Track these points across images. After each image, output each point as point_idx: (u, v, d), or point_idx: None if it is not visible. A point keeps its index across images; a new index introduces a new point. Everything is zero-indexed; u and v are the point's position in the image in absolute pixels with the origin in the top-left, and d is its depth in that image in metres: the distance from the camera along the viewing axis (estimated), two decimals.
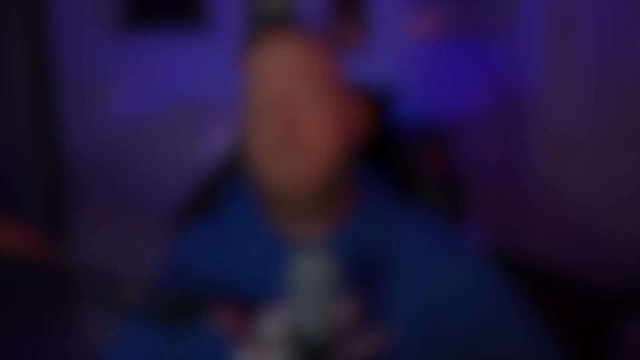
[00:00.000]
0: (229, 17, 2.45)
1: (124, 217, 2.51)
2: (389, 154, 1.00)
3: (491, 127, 2.59)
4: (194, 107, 2.51)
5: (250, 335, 0.76)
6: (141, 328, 0.86)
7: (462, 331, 0.85)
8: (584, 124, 2.43)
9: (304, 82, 0.81)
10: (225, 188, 0.97)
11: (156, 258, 0.97)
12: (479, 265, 0.88)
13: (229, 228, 0.90)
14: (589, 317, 2.02)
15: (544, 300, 2.06)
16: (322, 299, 0.67)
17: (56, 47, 2.46)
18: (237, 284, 0.85)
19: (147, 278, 0.82)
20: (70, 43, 2.45)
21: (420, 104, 2.36)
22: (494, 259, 0.90)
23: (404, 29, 2.51)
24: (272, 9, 2.39)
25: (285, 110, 0.80)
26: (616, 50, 2.33)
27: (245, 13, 2.43)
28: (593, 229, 2.40)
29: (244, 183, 0.93)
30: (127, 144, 2.52)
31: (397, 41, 2.46)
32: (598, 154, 2.40)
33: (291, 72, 0.81)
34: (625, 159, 2.35)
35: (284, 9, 2.39)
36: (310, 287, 0.67)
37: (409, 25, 2.51)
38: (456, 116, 2.47)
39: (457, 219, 1.03)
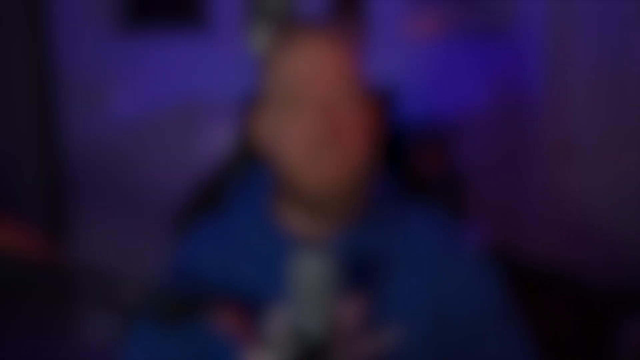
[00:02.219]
0: (229, 17, 2.45)
1: (124, 217, 2.50)
2: (392, 154, 1.00)
3: (491, 127, 2.59)
4: (194, 107, 2.51)
5: (253, 335, 0.76)
6: (147, 330, 0.85)
7: (463, 330, 0.85)
8: (584, 124, 2.43)
9: (343, 81, 0.81)
10: (230, 186, 0.97)
11: (156, 258, 0.97)
12: (480, 264, 0.89)
13: (235, 227, 0.89)
14: (589, 317, 2.01)
15: (543, 300, 2.06)
16: (324, 299, 0.67)
17: (56, 47, 2.46)
18: (242, 283, 0.85)
19: (147, 278, 0.82)
20: (70, 43, 2.45)
21: (421, 104, 2.36)
22: (494, 258, 0.90)
23: (404, 29, 2.50)
24: (272, 9, 2.39)
25: (326, 109, 0.79)
26: (616, 50, 2.33)
27: (245, 13, 2.43)
28: (593, 229, 2.40)
29: (249, 181, 0.93)
30: (127, 144, 2.52)
31: (397, 41, 2.46)
32: (598, 154, 2.40)
33: (331, 70, 0.80)
34: (625, 159, 2.35)
35: (284, 8, 2.39)
36: (312, 287, 0.67)
37: (409, 25, 2.51)
38: (456, 116, 2.47)
39: (457, 219, 1.03)
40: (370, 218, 0.87)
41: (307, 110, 0.80)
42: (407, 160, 1.03)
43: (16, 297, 2.30)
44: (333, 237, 0.84)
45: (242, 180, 0.95)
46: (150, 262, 1.00)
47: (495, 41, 2.54)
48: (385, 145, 0.93)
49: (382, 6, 2.45)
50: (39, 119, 2.76)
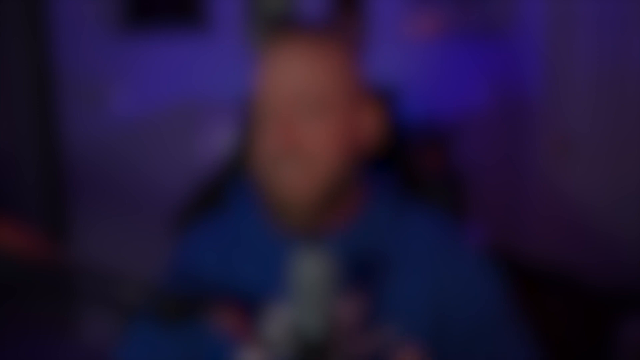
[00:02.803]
0: (229, 17, 2.45)
1: (124, 217, 2.51)
2: (392, 154, 1.00)
3: (491, 127, 2.59)
4: (194, 107, 2.51)
5: (252, 335, 0.76)
6: (147, 330, 0.85)
7: (463, 330, 0.85)
8: (584, 123, 2.43)
9: (307, 92, 0.79)
10: (230, 186, 0.97)
11: (156, 258, 0.97)
12: (480, 264, 0.89)
13: (234, 226, 0.90)
14: (589, 317, 2.01)
15: (543, 300, 2.06)
16: (323, 299, 0.67)
17: (56, 47, 2.46)
18: (242, 282, 0.85)
19: (147, 278, 0.82)
20: (70, 43, 2.45)
21: (421, 103, 2.36)
22: (494, 258, 0.90)
23: (404, 29, 2.51)
24: (272, 9, 2.39)
25: (286, 119, 0.79)
26: (616, 50, 2.33)
27: (245, 13, 2.43)
28: (593, 229, 2.40)
29: (249, 181, 0.93)
30: (127, 144, 2.52)
31: (397, 41, 2.46)
32: (598, 153, 2.40)
33: (295, 80, 0.80)
34: (625, 159, 2.35)
35: (284, 8, 2.39)
36: (311, 287, 0.67)
37: (409, 25, 2.51)
38: (456, 116, 2.47)
39: (457, 219, 1.03)
40: (369, 218, 0.87)
41: (270, 120, 0.80)
42: (407, 160, 1.02)
43: (16, 297, 2.30)
44: (332, 237, 0.84)
45: (242, 180, 0.95)
46: (150, 262, 1.00)
47: (495, 41, 2.54)
48: (385, 145, 0.93)
49: (382, 6, 2.45)
50: (39, 119, 2.76)
